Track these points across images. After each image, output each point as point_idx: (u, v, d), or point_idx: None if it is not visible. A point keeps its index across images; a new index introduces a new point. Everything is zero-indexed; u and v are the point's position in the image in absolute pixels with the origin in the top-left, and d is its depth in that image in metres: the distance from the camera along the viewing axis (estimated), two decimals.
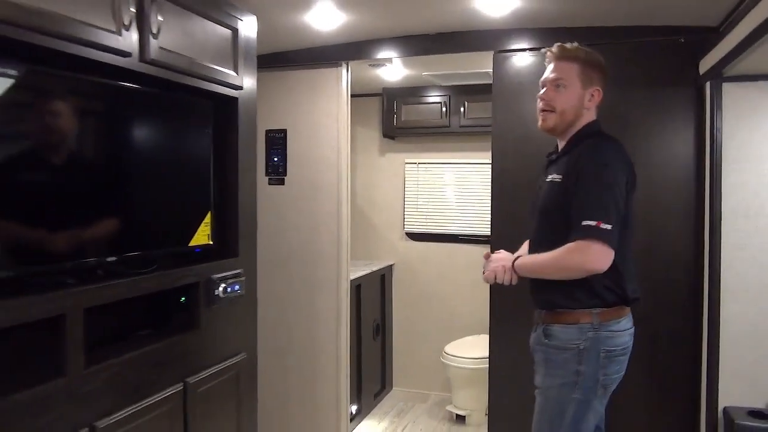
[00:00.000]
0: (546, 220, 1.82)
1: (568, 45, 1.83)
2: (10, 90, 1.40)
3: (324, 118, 3.02)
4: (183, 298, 1.99)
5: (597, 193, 1.66)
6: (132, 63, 1.67)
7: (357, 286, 3.45)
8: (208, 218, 2.08)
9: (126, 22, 1.61)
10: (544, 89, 1.84)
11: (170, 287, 1.90)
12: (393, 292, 4.11)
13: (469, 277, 3.85)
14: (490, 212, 2.80)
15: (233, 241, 2.19)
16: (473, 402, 3.48)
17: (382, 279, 3.97)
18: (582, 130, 1.82)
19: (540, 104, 1.84)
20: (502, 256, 1.88)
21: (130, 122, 1.81)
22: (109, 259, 1.71)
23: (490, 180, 2.78)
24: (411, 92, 3.81)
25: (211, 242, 2.10)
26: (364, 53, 2.90)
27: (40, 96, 1.52)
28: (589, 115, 1.84)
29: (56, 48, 1.45)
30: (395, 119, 3.87)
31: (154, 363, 1.79)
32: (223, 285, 2.06)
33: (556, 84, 1.81)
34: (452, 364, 3.46)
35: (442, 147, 4.00)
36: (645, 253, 2.47)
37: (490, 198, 2.79)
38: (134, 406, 1.68)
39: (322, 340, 3.07)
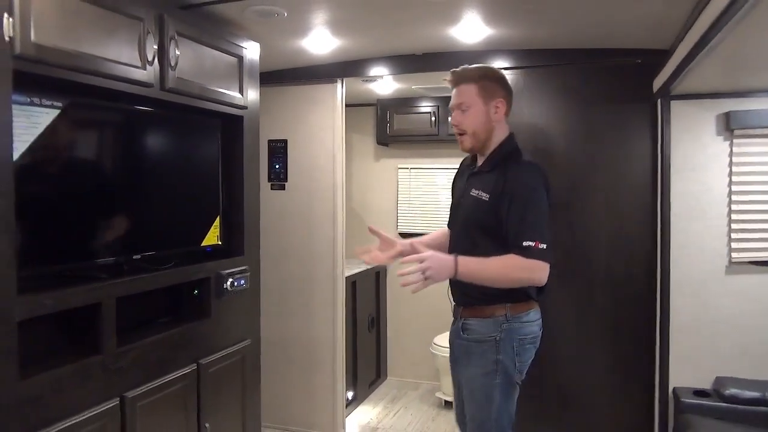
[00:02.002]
0: (468, 234, 1.93)
1: (460, 69, 1.93)
2: (57, 118, 1.71)
3: (321, 129, 3.31)
4: (196, 291, 2.29)
5: (531, 216, 1.80)
6: (153, 92, 1.97)
7: (352, 283, 3.74)
8: (217, 221, 2.39)
9: (149, 58, 1.92)
10: (453, 114, 1.94)
11: (185, 281, 2.20)
12: (387, 289, 4.40)
13: None
14: None
15: (239, 241, 2.49)
16: None
17: (377, 276, 4.26)
18: (501, 147, 1.92)
19: (454, 129, 1.96)
20: (437, 261, 1.75)
21: (150, 140, 2.12)
22: (135, 257, 2.02)
23: None
24: (402, 103, 4.10)
25: (220, 242, 2.41)
26: (357, 71, 3.18)
27: (79, 121, 1.83)
28: (502, 129, 1.94)
29: (92, 83, 1.75)
30: (388, 128, 4.15)
31: (173, 345, 2.10)
32: (230, 280, 2.36)
33: (461, 108, 1.91)
34: (440, 354, 3.74)
35: (432, 153, 4.29)
36: (609, 252, 2.77)
37: None
38: (156, 381, 1.99)
39: (319, 332, 3.36)
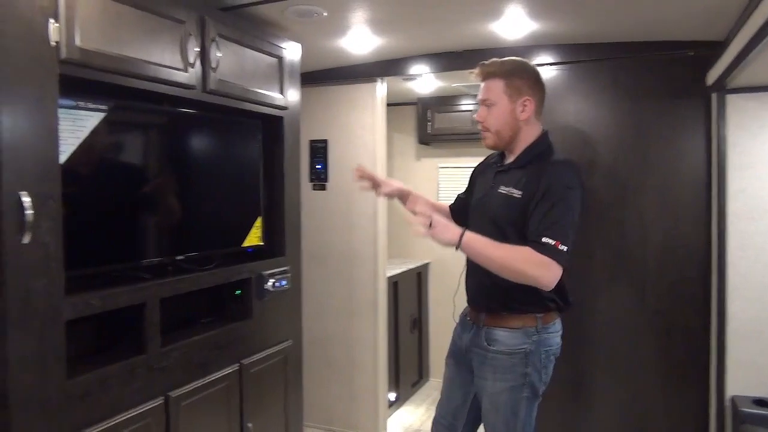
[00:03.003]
0: (497, 231, 1.78)
1: (488, 62, 1.84)
2: (102, 121, 1.74)
3: (362, 129, 3.30)
4: (238, 291, 2.30)
5: (559, 214, 1.67)
6: (195, 94, 1.99)
7: (394, 283, 3.71)
8: (258, 222, 2.40)
9: (191, 61, 1.93)
10: (479, 109, 1.86)
11: (227, 282, 2.22)
12: (429, 289, 4.36)
13: None
14: None
15: (280, 241, 2.49)
16: None
17: (419, 276, 4.22)
18: (533, 147, 1.82)
19: (478, 125, 1.88)
20: (442, 222, 1.70)
21: (192, 142, 2.14)
22: (178, 257, 2.04)
23: None
24: (443, 101, 4.05)
25: (262, 243, 2.42)
26: (397, 70, 3.15)
27: (123, 123, 1.86)
28: (532, 128, 1.83)
29: (135, 86, 1.78)
30: (429, 126, 4.11)
31: (215, 345, 2.12)
32: (271, 280, 2.37)
33: (485, 104, 1.83)
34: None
35: (473, 152, 4.21)
36: (661, 252, 2.66)
37: None
38: (199, 381, 2.01)
39: (360, 333, 3.35)
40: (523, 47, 2.84)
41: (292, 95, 2.51)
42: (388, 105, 3.39)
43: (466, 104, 4.00)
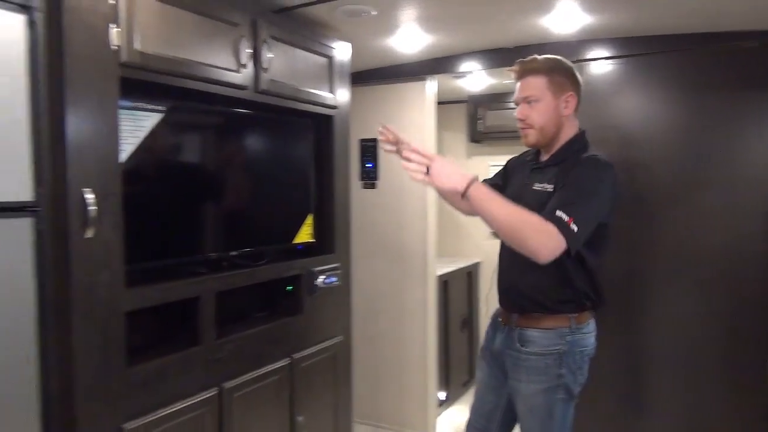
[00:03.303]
0: None
1: (529, 59, 1.82)
2: (160, 121, 1.81)
3: (412, 127, 3.30)
4: (289, 287, 2.35)
5: (582, 199, 1.63)
6: (248, 94, 2.04)
7: (444, 282, 3.70)
8: (309, 219, 2.44)
9: (244, 62, 1.99)
10: (519, 107, 1.83)
11: (279, 277, 2.26)
12: (479, 289, 4.32)
13: None
14: None
15: (330, 238, 2.53)
16: None
17: (469, 276, 4.19)
18: (571, 144, 1.81)
19: (519, 123, 1.84)
20: (444, 166, 1.63)
21: (245, 141, 2.20)
22: (231, 253, 2.10)
23: None
24: (494, 99, 4.00)
25: (312, 240, 2.46)
26: (447, 67, 3.14)
27: (180, 123, 1.93)
28: (572, 125, 1.82)
29: (191, 87, 1.84)
30: (480, 124, 4.08)
31: (267, 340, 2.17)
32: (322, 277, 2.41)
33: (527, 101, 1.79)
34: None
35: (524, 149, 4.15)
36: (724, 252, 2.56)
37: None
38: (252, 373, 2.06)
39: (410, 331, 3.36)
40: (576, 42, 2.78)
41: (342, 94, 2.54)
42: (438, 103, 3.38)
43: None
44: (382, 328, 3.42)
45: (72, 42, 1.46)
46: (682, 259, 2.64)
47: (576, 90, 1.81)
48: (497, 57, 3.02)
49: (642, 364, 2.74)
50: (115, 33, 1.56)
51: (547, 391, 1.75)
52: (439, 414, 3.54)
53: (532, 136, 1.82)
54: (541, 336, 1.77)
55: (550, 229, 1.56)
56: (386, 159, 3.37)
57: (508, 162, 2.10)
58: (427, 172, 1.63)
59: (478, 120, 4.08)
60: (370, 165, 3.41)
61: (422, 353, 3.34)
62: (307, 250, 2.46)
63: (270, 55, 2.10)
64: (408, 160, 1.66)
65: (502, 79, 3.58)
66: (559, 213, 1.58)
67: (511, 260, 1.84)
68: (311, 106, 2.37)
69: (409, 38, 2.73)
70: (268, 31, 2.09)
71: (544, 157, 1.87)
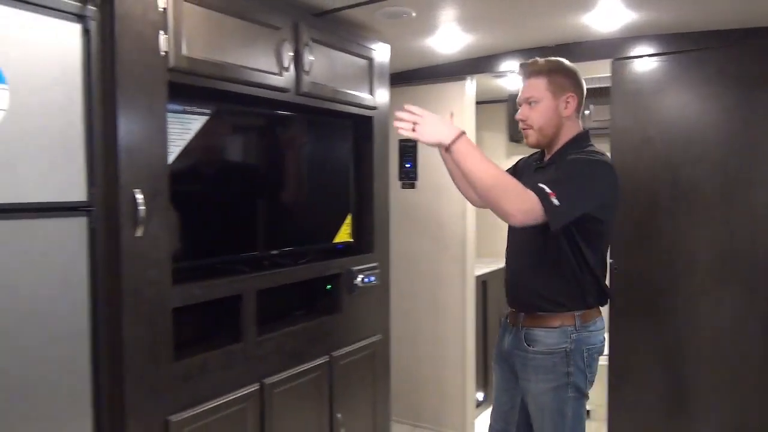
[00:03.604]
0: (530, 228, 1.71)
1: (530, 61, 1.85)
2: (205, 123, 1.87)
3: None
4: (329, 286, 2.39)
5: (570, 179, 1.65)
6: (290, 96, 2.08)
7: (483, 282, 3.68)
8: (348, 219, 2.47)
9: (286, 65, 2.03)
10: (521, 108, 1.85)
11: (319, 276, 2.30)
12: None
13: None
14: None
15: (369, 238, 2.56)
16: (598, 397, 3.56)
17: None
18: (571, 143, 1.81)
19: (520, 124, 1.87)
20: (433, 122, 1.63)
21: (287, 142, 2.24)
22: (272, 252, 2.15)
23: None
24: None
25: (351, 239, 2.49)
26: (487, 67, 3.13)
27: (224, 126, 1.99)
28: (573, 125, 1.83)
29: (235, 91, 1.90)
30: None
31: (307, 337, 2.21)
32: (360, 276, 2.43)
33: (528, 102, 1.82)
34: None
35: None
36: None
37: None
38: (292, 370, 2.10)
39: (448, 331, 3.36)
40: (619, 39, 2.73)
41: (382, 95, 2.56)
42: (478, 103, 3.36)
43: None
44: (421, 328, 3.43)
45: (123, 49, 1.52)
46: (728, 261, 2.57)
47: (576, 91, 1.82)
48: (538, 56, 2.97)
49: (684, 365, 2.68)
50: (163, 39, 1.62)
51: (556, 390, 1.76)
52: (477, 415, 3.53)
53: (532, 136, 1.84)
54: (547, 335, 1.78)
55: (530, 195, 1.57)
56: (425, 159, 3.38)
57: (518, 162, 2.11)
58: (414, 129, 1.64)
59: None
60: (410, 165, 3.42)
61: (460, 353, 3.33)
62: (346, 249, 2.49)
63: (311, 57, 2.14)
64: (399, 119, 1.67)
65: None
66: (541, 185, 1.59)
67: (516, 260, 1.89)
68: (351, 107, 2.40)
69: (448, 38, 2.73)
70: (309, 34, 2.13)
71: (547, 157, 1.89)
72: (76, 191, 1.45)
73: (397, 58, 2.86)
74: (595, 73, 3.32)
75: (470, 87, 3.27)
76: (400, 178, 3.45)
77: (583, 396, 1.79)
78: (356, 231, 2.52)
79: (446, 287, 3.35)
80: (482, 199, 1.64)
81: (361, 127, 2.52)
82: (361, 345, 2.47)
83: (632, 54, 2.76)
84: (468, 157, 1.59)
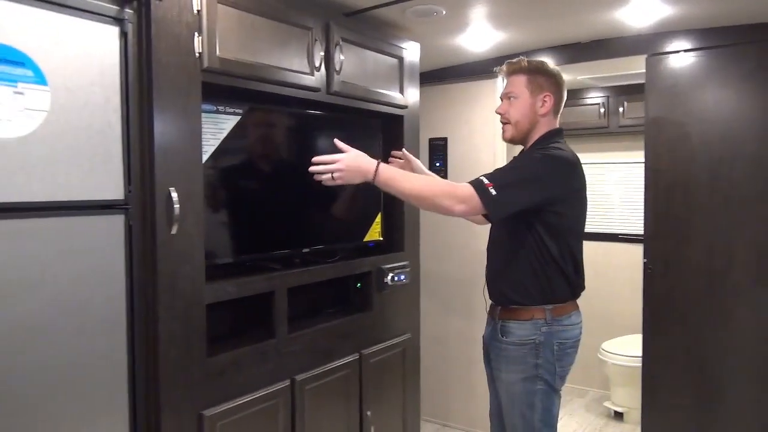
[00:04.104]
0: (503, 223, 1.87)
1: (514, 60, 1.91)
2: (238, 123, 1.90)
3: (482, 125, 3.28)
4: (359, 284, 2.40)
5: (511, 171, 1.78)
6: (320, 96, 2.10)
7: None
8: (378, 218, 2.48)
9: (317, 65, 2.05)
10: (501, 103, 1.93)
11: (349, 274, 2.32)
12: None
13: (626, 276, 3.85)
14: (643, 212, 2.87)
15: (399, 237, 2.56)
16: (632, 400, 3.50)
17: None
18: (541, 139, 1.87)
19: (500, 118, 1.94)
20: (351, 164, 1.73)
21: (318, 141, 2.26)
22: (304, 250, 2.17)
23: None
24: (568, 95, 3.78)
25: (382, 238, 2.50)
26: None
27: (256, 125, 2.01)
28: (548, 123, 1.89)
29: (267, 91, 1.92)
30: None
31: (337, 335, 2.22)
32: (391, 274, 2.44)
33: (508, 97, 1.90)
34: (610, 361, 3.52)
35: (601, 147, 4.03)
36: None
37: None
38: (323, 367, 2.12)
39: (478, 332, 3.30)
40: (654, 34, 2.68)
41: (412, 94, 2.57)
42: None
43: (593, 97, 3.84)
44: (451, 328, 3.41)
45: (159, 50, 1.56)
46: (765, 260, 2.50)
47: (554, 92, 1.88)
48: (570, 52, 2.96)
49: (720, 368, 2.61)
50: (198, 41, 1.65)
51: (525, 381, 1.81)
52: None
53: (509, 131, 1.92)
54: (518, 327, 1.83)
55: (464, 189, 1.70)
56: (455, 158, 3.37)
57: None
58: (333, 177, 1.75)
59: None
60: (440, 164, 3.41)
61: None
62: (376, 247, 2.50)
63: (342, 57, 2.15)
64: (315, 172, 1.76)
65: (576, 75, 3.49)
66: (481, 177, 1.72)
67: (491, 255, 1.97)
68: (381, 106, 2.40)
69: (479, 36, 2.72)
70: (339, 33, 2.14)
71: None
72: (114, 190, 1.50)
73: (427, 57, 2.86)
74: (626, 69, 3.27)
75: (501, 85, 3.23)
76: None
77: (553, 390, 1.82)
78: (387, 229, 2.53)
79: (476, 287, 3.31)
80: (424, 209, 1.81)
81: (392, 126, 2.52)
82: (391, 343, 2.47)
83: (668, 49, 2.71)
84: (394, 181, 1.74)
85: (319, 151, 2.26)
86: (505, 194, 1.69)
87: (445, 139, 3.40)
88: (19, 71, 1.30)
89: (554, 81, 1.89)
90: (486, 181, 1.70)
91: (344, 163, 1.74)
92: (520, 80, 1.88)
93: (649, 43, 2.74)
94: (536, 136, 1.89)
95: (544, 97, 1.87)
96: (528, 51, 3.03)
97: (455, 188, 1.72)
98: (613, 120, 3.77)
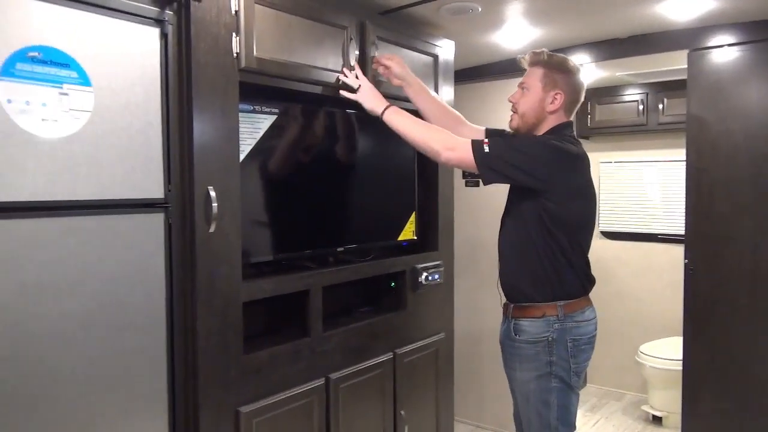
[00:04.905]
0: (509, 211, 1.92)
1: (538, 51, 1.90)
2: (274, 122, 1.91)
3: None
4: (393, 283, 2.40)
5: (514, 144, 1.80)
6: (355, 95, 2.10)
7: None
8: (412, 217, 2.47)
9: (352, 63, 2.05)
10: (516, 91, 1.93)
11: (383, 273, 2.31)
12: None
13: (665, 278, 3.76)
14: (684, 212, 2.79)
15: (433, 236, 2.55)
16: (671, 404, 3.42)
17: None
18: (549, 131, 1.86)
19: (511, 106, 1.94)
20: (369, 94, 1.98)
21: (352, 141, 2.26)
22: (338, 249, 2.18)
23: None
24: (605, 92, 3.83)
25: (415, 237, 2.49)
26: None
27: (292, 124, 2.02)
28: (557, 119, 1.87)
29: (303, 90, 1.93)
30: (589, 119, 3.92)
31: (371, 334, 2.22)
32: (425, 274, 2.43)
33: (521, 87, 1.90)
34: (648, 364, 3.44)
35: (639, 145, 3.95)
36: None
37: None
38: (356, 366, 2.12)
39: None
40: (696, 29, 2.61)
41: (447, 92, 2.55)
42: None
43: (632, 94, 3.76)
44: (485, 328, 3.38)
45: (198, 51, 1.58)
46: None
47: (568, 91, 1.86)
48: (609, 48, 2.90)
49: (765, 369, 2.53)
50: (235, 41, 1.67)
51: (539, 379, 1.80)
52: None
53: (515, 120, 1.92)
54: (531, 325, 1.81)
55: (459, 139, 1.81)
56: None
57: (500, 131, 2.16)
58: (356, 91, 1.98)
59: (587, 115, 3.92)
60: None
61: None
62: (410, 247, 2.49)
63: (377, 55, 2.14)
64: (344, 75, 1.99)
65: (614, 71, 3.42)
66: (480, 139, 1.81)
67: (502, 252, 1.94)
68: None
69: (514, 33, 2.68)
70: (375, 32, 2.14)
71: None
72: (155, 188, 1.52)
73: (462, 55, 2.84)
74: (666, 65, 3.19)
75: None
76: (464, 177, 3.42)
77: (569, 387, 1.80)
78: (421, 229, 2.52)
79: None
80: (418, 149, 1.90)
81: None
82: (425, 343, 2.46)
83: (710, 44, 2.63)
84: (400, 119, 1.90)
85: (355, 150, 2.28)
86: (496, 156, 1.74)
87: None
88: (64, 73, 1.34)
89: (571, 81, 1.87)
90: (486, 140, 1.79)
91: (367, 83, 1.99)
92: (537, 73, 1.87)
93: (690, 38, 2.67)
94: (542, 130, 1.88)
95: (556, 94, 1.85)
96: (564, 48, 2.98)
97: (450, 136, 1.83)
98: (652, 117, 3.68)
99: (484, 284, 3.36)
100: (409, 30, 2.36)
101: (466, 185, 3.42)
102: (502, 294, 1.96)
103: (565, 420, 1.81)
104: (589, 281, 1.87)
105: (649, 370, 3.44)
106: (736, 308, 2.62)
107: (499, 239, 1.97)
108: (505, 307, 1.94)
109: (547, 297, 1.80)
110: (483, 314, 3.38)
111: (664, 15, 2.43)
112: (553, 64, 1.87)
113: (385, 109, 1.93)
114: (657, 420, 3.50)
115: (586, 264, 1.85)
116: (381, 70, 2.11)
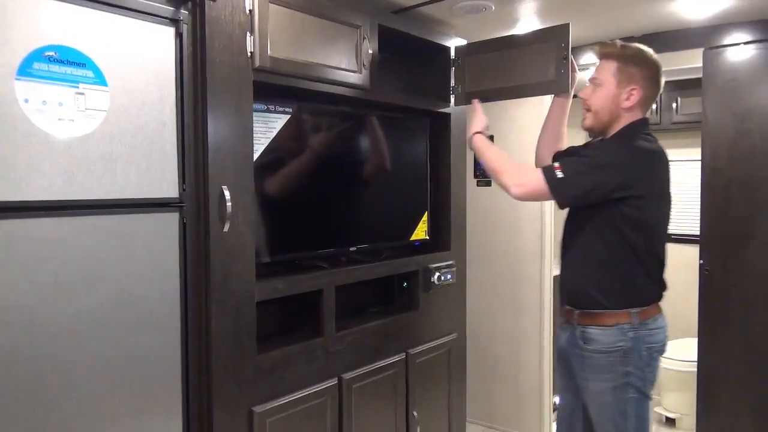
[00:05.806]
0: (577, 212, 1.77)
1: (609, 42, 1.77)
2: (287, 122, 1.91)
3: (530, 123, 3.20)
4: (405, 283, 2.39)
5: (582, 156, 1.71)
6: (369, 94, 2.10)
7: None
8: (425, 217, 2.46)
9: (365, 63, 2.04)
10: (587, 87, 1.80)
11: (395, 273, 2.31)
12: None
13: (678, 278, 3.68)
14: (699, 212, 2.76)
15: (446, 236, 2.54)
16: (684, 405, 3.39)
17: None
18: (624, 128, 1.73)
19: (582, 103, 1.82)
20: (479, 119, 2.04)
21: (364, 139, 2.26)
22: (351, 249, 2.17)
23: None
24: None
25: (428, 237, 2.48)
26: None
27: (304, 124, 2.02)
28: (633, 116, 1.74)
29: (316, 89, 1.93)
30: None
31: (384, 334, 2.22)
32: (437, 274, 2.42)
33: (594, 83, 1.77)
34: (662, 365, 3.41)
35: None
36: None
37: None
38: (369, 366, 2.12)
39: (525, 332, 3.28)
40: (711, 27, 2.58)
41: None
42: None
43: None
44: (497, 328, 3.37)
45: (213, 50, 1.58)
46: None
47: (645, 86, 1.72)
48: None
49: None
50: (250, 40, 1.66)
51: (615, 390, 1.70)
52: (554, 419, 3.43)
53: (589, 119, 1.80)
54: (602, 333, 1.71)
55: (531, 171, 1.75)
56: None
57: (568, 149, 2.05)
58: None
59: None
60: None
61: (537, 355, 3.25)
62: (423, 247, 2.48)
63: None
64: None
65: None
66: (552, 162, 1.73)
67: (566, 255, 1.83)
68: (428, 104, 2.38)
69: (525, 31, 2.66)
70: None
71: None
72: (170, 188, 1.52)
73: None
74: (680, 63, 3.16)
75: None
76: (476, 176, 3.41)
77: (645, 396, 1.72)
78: (433, 229, 2.51)
79: (524, 287, 3.27)
80: (494, 180, 1.89)
81: (438, 125, 2.50)
82: (438, 343, 2.45)
83: (726, 42, 2.60)
84: (482, 148, 1.93)
85: (367, 149, 2.28)
86: (571, 178, 1.64)
87: (491, 137, 3.34)
88: (80, 72, 1.34)
89: (649, 74, 1.73)
90: (556, 164, 1.67)
91: (477, 112, 2.08)
92: (610, 67, 1.74)
93: (706, 36, 2.64)
94: (617, 128, 1.75)
95: (632, 90, 1.71)
96: (576, 46, 2.95)
97: (521, 169, 1.79)
98: (665, 116, 3.65)
99: (496, 284, 3.35)
100: (422, 29, 2.35)
101: (477, 185, 3.40)
102: (561, 299, 1.88)
103: (643, 429, 1.73)
104: (663, 287, 1.77)
105: (662, 371, 3.41)
106: (753, 310, 2.59)
107: (562, 244, 1.85)
108: (569, 313, 1.81)
109: (619, 303, 1.69)
110: (495, 314, 3.36)
111: (679, 13, 2.40)
112: (628, 57, 1.73)
113: (474, 133, 1.98)
114: (670, 422, 3.47)
115: (661, 269, 1.75)
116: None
